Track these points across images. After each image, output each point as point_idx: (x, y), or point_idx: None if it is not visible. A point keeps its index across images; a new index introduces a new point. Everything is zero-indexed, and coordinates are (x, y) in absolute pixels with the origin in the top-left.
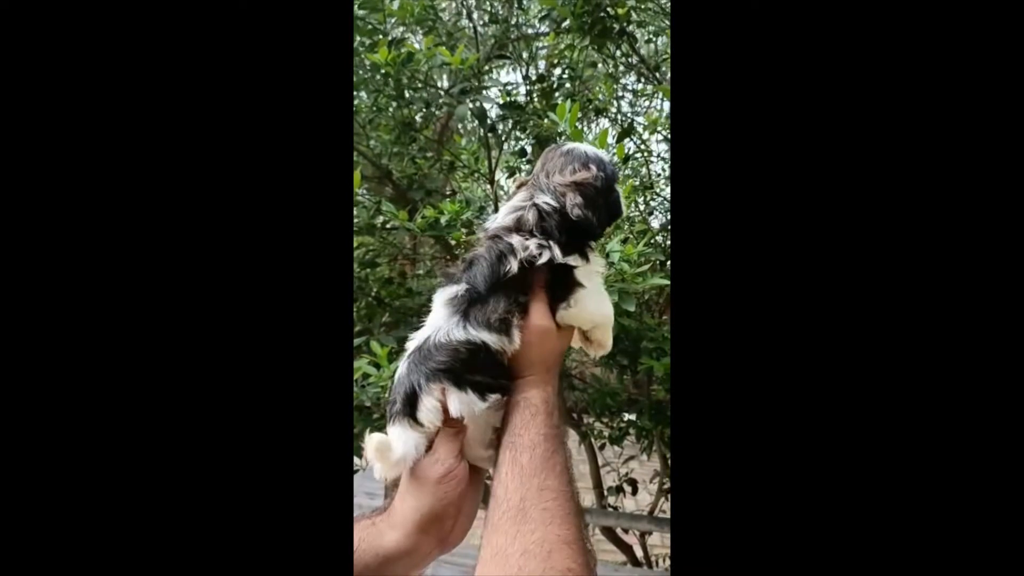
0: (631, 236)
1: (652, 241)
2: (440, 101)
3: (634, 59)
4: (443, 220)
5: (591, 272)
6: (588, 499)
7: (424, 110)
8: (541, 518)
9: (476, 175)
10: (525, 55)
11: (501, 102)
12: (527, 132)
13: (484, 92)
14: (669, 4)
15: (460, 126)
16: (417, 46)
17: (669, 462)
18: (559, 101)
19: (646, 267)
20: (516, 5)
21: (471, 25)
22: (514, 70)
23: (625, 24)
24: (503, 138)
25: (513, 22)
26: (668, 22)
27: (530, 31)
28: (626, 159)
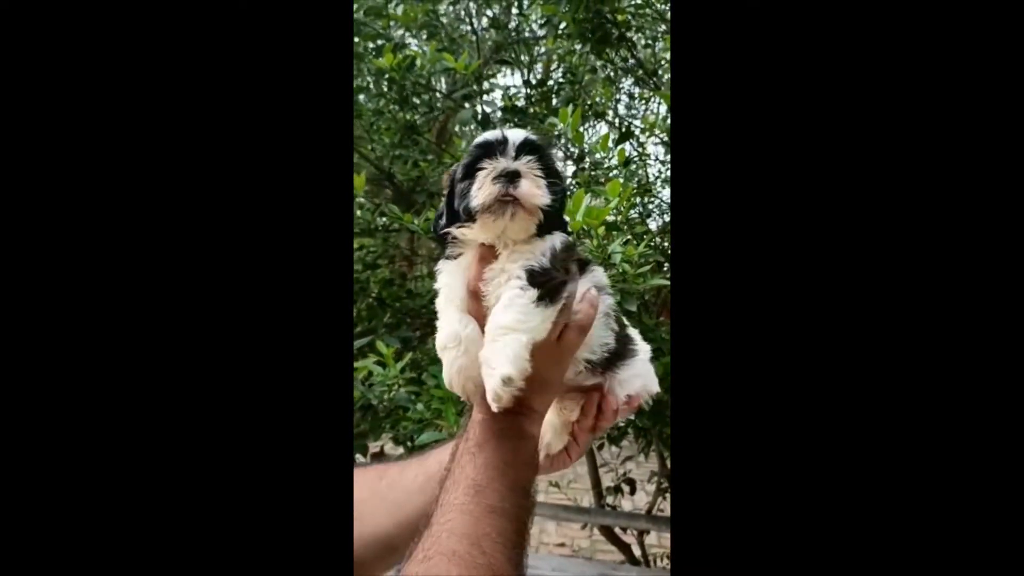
0: (631, 238)
1: (652, 243)
2: (439, 105)
3: (632, 63)
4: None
5: (441, 290)
6: (587, 499)
7: (427, 114)
8: (437, 531)
9: None
10: (525, 59)
11: (503, 106)
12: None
13: (486, 96)
14: (666, 10)
15: (458, 129)
16: (416, 49)
17: (667, 462)
18: (558, 105)
19: (646, 268)
20: (518, 11)
21: (472, 30)
22: (513, 73)
23: (624, 30)
24: None
25: (513, 27)
26: (664, 27)
27: (527, 35)
28: (626, 163)
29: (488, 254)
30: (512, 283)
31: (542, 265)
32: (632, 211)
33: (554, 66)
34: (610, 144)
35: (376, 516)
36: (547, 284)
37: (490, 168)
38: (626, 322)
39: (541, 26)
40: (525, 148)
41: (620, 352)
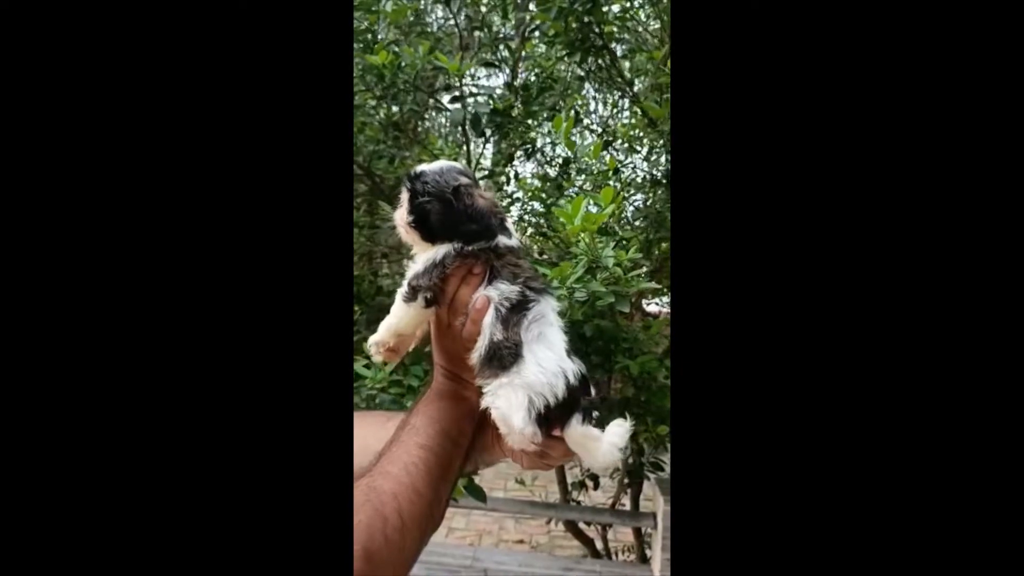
0: (618, 242)
1: (640, 247)
2: (430, 103)
3: (613, 73)
4: None
5: None
6: (552, 495)
7: (415, 111)
8: (382, 460)
9: None
10: (505, 55)
11: (491, 108)
12: (509, 137)
13: (475, 98)
14: (648, 23)
15: (434, 127)
16: (406, 47)
17: (628, 459)
18: (535, 109)
19: (636, 271)
20: (502, 15)
21: (456, 30)
22: (497, 76)
23: (608, 41)
24: (486, 142)
25: (496, 29)
26: (641, 39)
27: (507, 36)
28: (615, 171)
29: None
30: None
31: (414, 272)
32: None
33: (527, 69)
34: (592, 152)
35: (379, 444)
36: (409, 287)
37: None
38: (522, 340)
39: (531, 31)
40: (410, 181)
41: (490, 363)
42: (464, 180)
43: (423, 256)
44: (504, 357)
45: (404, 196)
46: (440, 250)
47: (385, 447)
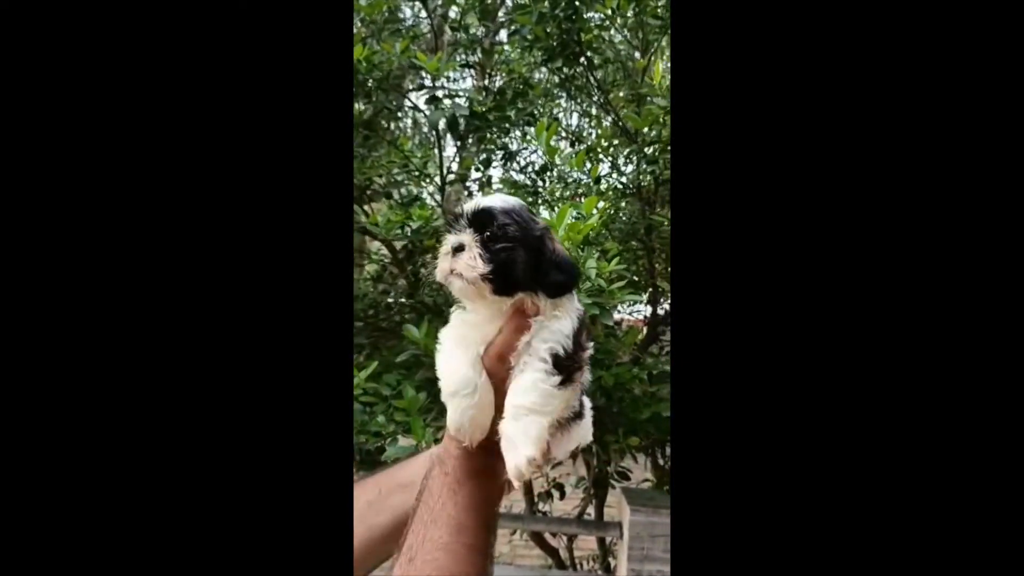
0: (600, 253)
1: (623, 258)
2: (408, 104)
3: (592, 82)
4: (413, 226)
5: (451, 335)
6: (518, 505)
7: (388, 110)
8: (423, 568)
9: (426, 178)
10: (478, 58)
11: (470, 111)
12: (485, 142)
13: (452, 100)
14: (626, 31)
15: (395, 127)
16: (381, 44)
17: (595, 469)
18: (510, 114)
19: (620, 283)
20: (480, 17)
21: (432, 28)
22: (465, 79)
23: (586, 49)
24: (462, 146)
25: (475, 31)
26: (618, 50)
27: (481, 37)
28: (597, 180)
29: (523, 324)
30: (537, 364)
31: (566, 349)
32: (603, 228)
33: (498, 73)
34: (575, 161)
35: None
36: (569, 369)
37: (446, 244)
38: (584, 402)
39: (511, 35)
40: (474, 219)
41: (579, 413)
42: (542, 223)
43: (560, 327)
44: (570, 420)
45: (469, 239)
46: (573, 315)
47: (422, 543)
